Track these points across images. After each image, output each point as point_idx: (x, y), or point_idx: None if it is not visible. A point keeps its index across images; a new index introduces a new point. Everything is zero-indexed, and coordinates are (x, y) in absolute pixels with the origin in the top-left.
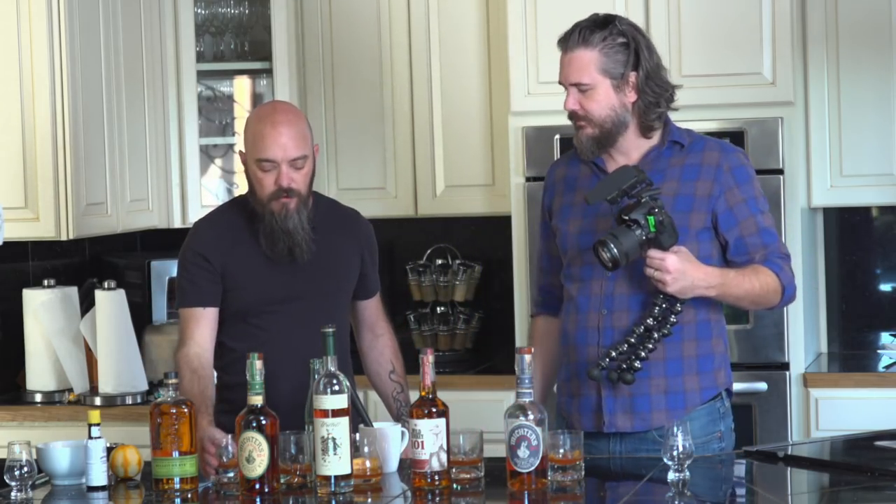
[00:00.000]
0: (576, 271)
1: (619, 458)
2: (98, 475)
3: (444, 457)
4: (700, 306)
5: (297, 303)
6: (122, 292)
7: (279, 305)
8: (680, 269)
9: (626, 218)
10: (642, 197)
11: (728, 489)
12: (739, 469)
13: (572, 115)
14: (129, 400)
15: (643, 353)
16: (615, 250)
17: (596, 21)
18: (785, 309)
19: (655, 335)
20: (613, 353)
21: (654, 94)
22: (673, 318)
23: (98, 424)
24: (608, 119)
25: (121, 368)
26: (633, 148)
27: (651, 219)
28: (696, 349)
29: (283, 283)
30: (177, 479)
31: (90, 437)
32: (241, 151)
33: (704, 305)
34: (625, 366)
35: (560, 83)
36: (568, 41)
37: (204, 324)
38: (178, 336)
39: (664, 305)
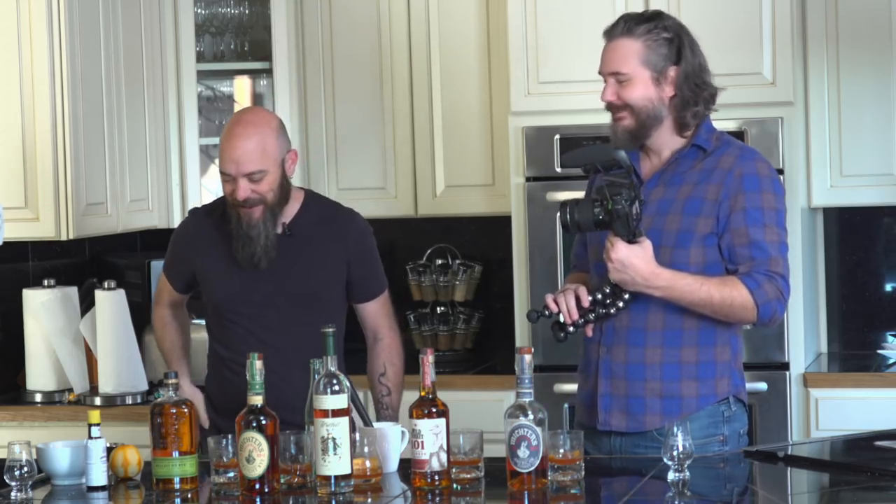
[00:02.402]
0: (593, 265)
1: (619, 458)
2: (98, 475)
3: (444, 457)
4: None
5: (269, 306)
6: (122, 292)
7: (252, 306)
8: (621, 261)
9: (595, 194)
10: (611, 180)
11: (728, 489)
12: (739, 469)
13: (609, 107)
14: (129, 400)
15: (581, 321)
16: (568, 216)
17: (643, 15)
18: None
19: (599, 310)
20: (541, 313)
21: (692, 93)
22: (620, 304)
23: (98, 424)
24: (644, 110)
25: (121, 368)
26: (664, 146)
27: (609, 203)
28: (697, 355)
29: (255, 285)
30: (177, 479)
31: (90, 437)
32: None
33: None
34: (558, 323)
35: (599, 73)
36: (612, 31)
37: (172, 293)
38: (155, 292)
39: (607, 290)
